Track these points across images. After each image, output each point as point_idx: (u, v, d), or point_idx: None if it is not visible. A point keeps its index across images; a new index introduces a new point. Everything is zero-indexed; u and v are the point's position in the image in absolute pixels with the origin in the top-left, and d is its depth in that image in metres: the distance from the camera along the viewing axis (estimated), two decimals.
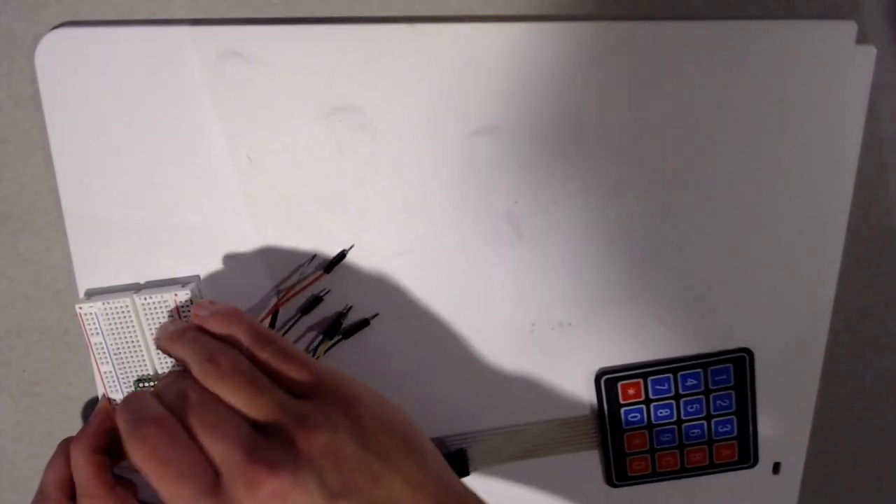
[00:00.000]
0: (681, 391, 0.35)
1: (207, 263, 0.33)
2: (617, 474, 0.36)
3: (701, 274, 0.34)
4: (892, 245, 0.35)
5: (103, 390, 0.32)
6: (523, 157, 0.32)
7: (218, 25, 0.30)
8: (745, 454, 0.36)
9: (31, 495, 0.38)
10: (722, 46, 0.30)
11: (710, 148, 0.32)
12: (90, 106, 0.31)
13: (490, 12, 0.31)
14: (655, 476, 0.36)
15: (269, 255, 0.33)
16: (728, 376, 0.35)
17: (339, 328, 0.33)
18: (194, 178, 0.32)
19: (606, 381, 0.34)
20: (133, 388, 0.32)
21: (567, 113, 0.31)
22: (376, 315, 0.33)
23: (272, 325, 0.32)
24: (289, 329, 0.33)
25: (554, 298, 0.34)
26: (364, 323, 0.33)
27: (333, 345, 0.33)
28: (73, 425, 0.37)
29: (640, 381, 0.34)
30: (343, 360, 0.34)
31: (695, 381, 0.35)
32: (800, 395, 0.36)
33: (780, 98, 0.31)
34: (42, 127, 0.32)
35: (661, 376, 0.34)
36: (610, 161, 0.32)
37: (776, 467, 0.37)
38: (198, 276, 0.33)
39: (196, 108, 0.31)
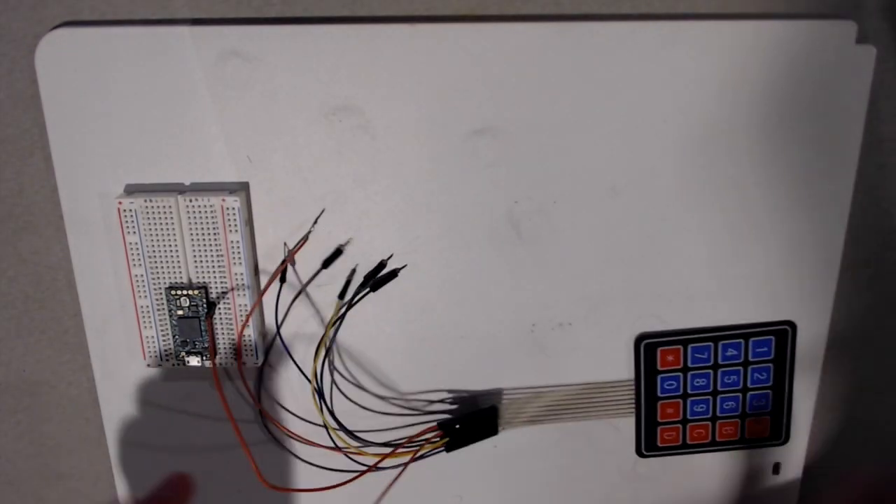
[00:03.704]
0: (720, 361, 0.34)
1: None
2: (647, 444, 0.36)
3: (700, 274, 0.34)
4: (892, 245, 0.35)
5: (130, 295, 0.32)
6: (523, 157, 0.32)
7: (218, 25, 0.30)
8: (778, 430, 0.36)
9: (30, 495, 0.38)
10: (722, 46, 0.30)
11: (709, 148, 0.32)
12: (90, 106, 0.31)
13: (490, 12, 0.31)
14: (685, 448, 0.36)
15: (267, 255, 0.33)
16: (769, 349, 0.34)
17: (374, 277, 0.33)
18: (194, 179, 0.32)
19: (646, 345, 0.34)
20: (164, 296, 0.32)
21: (567, 113, 0.31)
22: (405, 266, 0.33)
23: (283, 278, 0.32)
24: (310, 280, 0.33)
25: (554, 298, 0.34)
26: (392, 275, 0.33)
27: (361, 297, 0.33)
28: (73, 425, 0.37)
29: (680, 347, 0.34)
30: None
31: (735, 352, 0.34)
32: (800, 394, 0.36)
33: (780, 98, 0.31)
34: (42, 127, 0.32)
35: (702, 344, 0.34)
36: (609, 161, 0.32)
37: (776, 467, 0.37)
38: (246, 184, 0.32)
39: (196, 108, 0.31)
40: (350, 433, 0.35)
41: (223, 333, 0.33)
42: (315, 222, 0.32)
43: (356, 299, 0.33)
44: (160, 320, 0.33)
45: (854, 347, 0.36)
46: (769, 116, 0.31)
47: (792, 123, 0.31)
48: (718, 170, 0.32)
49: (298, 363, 0.34)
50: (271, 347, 0.34)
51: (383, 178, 0.32)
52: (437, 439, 0.34)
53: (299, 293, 0.33)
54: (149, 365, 0.33)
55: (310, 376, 0.34)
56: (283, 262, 0.32)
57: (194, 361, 0.33)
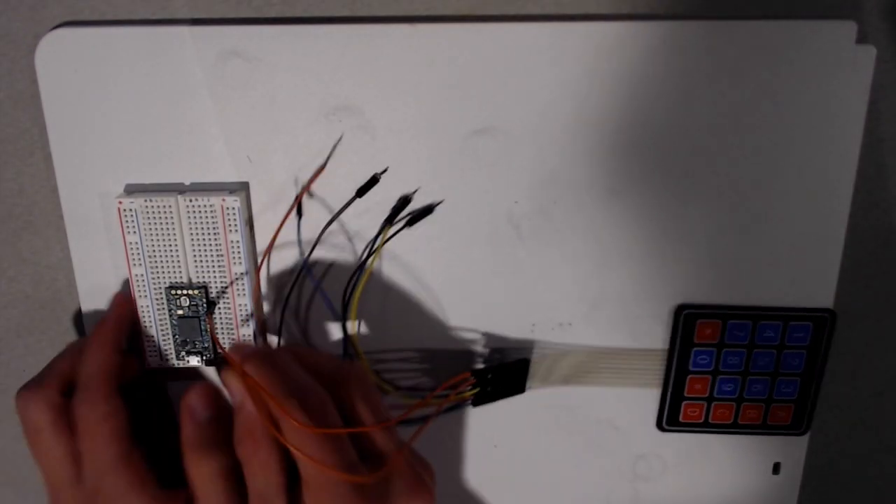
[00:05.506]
0: (756, 341, 0.34)
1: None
2: (669, 418, 0.36)
3: (700, 274, 0.34)
4: (892, 245, 0.35)
5: (131, 293, 0.32)
6: (523, 157, 0.32)
7: (218, 25, 0.30)
8: (799, 420, 0.35)
9: (30, 495, 0.38)
10: (722, 46, 0.30)
11: (709, 148, 0.32)
12: (90, 106, 0.31)
13: (490, 12, 0.31)
14: (706, 427, 0.36)
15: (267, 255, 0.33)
16: (806, 335, 0.34)
17: (400, 212, 0.32)
18: (194, 179, 0.32)
19: (686, 315, 0.34)
20: (164, 295, 0.32)
21: (567, 113, 0.31)
22: (441, 202, 0.32)
23: (299, 212, 0.32)
24: (341, 210, 0.32)
25: (554, 298, 0.34)
26: (428, 210, 0.32)
27: (397, 231, 0.33)
28: None
29: (720, 322, 0.34)
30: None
31: (772, 334, 0.34)
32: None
33: (780, 98, 0.31)
34: (42, 127, 0.32)
35: (742, 321, 0.34)
36: (609, 161, 0.32)
37: (776, 467, 0.37)
38: (246, 184, 0.32)
39: (196, 108, 0.31)
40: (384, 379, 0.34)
41: (223, 333, 0.33)
42: (334, 148, 0.31)
43: (391, 234, 0.32)
44: (160, 320, 0.33)
45: (854, 347, 0.36)
46: (769, 116, 0.31)
47: (792, 123, 0.31)
48: (717, 170, 0.32)
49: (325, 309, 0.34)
50: (294, 286, 0.34)
51: (383, 177, 0.32)
52: (469, 388, 0.33)
53: (329, 224, 0.33)
54: (149, 365, 0.33)
55: (348, 314, 0.33)
56: (300, 194, 0.32)
57: (194, 361, 0.33)
